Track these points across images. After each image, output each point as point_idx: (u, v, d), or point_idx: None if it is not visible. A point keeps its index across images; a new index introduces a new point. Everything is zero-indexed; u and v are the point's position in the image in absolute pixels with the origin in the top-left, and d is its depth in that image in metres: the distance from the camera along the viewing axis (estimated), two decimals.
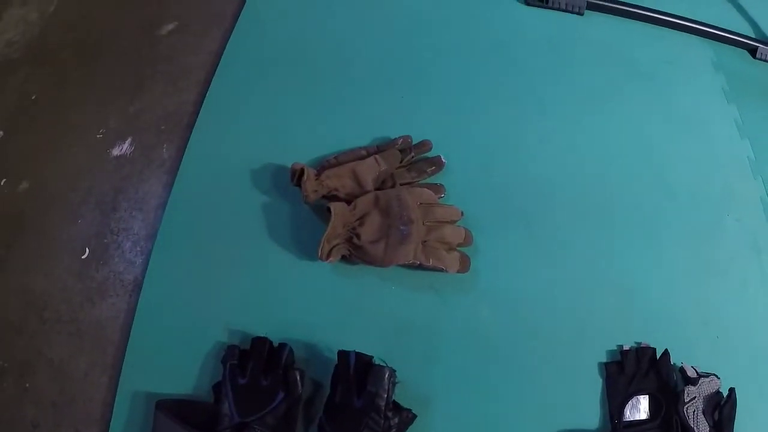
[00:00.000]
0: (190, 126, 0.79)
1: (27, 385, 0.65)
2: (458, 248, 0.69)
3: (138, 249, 0.73)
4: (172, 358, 0.65)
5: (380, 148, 0.74)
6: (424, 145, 0.75)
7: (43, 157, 0.78)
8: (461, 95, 0.82)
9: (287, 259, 0.69)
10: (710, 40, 0.89)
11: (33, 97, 0.82)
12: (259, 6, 0.88)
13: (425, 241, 0.67)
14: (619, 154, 0.79)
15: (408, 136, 0.75)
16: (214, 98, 0.80)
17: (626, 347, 0.65)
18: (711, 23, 0.89)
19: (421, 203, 0.69)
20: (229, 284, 0.69)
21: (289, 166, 0.70)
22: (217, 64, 0.83)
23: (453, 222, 0.70)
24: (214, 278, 0.69)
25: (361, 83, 0.82)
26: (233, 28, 0.86)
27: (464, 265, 0.68)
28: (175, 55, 0.86)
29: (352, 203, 0.68)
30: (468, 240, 0.70)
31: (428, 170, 0.73)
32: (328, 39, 0.85)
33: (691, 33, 0.89)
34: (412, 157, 0.74)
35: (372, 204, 0.68)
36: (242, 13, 0.87)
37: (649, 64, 0.87)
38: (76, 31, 0.88)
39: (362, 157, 0.72)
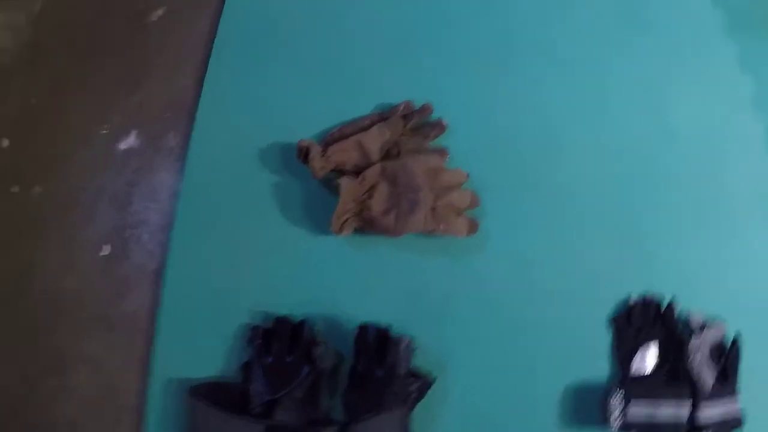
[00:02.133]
0: (194, 111, 0.78)
1: (64, 384, 0.68)
2: (466, 211, 0.69)
3: (157, 239, 0.74)
4: (199, 342, 0.67)
5: (383, 116, 0.73)
6: (425, 109, 0.74)
7: (51, 161, 0.79)
8: (458, 54, 0.79)
9: (302, 236, 0.70)
10: None
11: (33, 102, 0.82)
12: None
13: (434, 208, 0.67)
14: (622, 101, 0.76)
15: (409, 102, 0.74)
16: (213, 80, 0.79)
17: (633, 300, 0.66)
18: None
19: (427, 169, 0.69)
20: (247, 266, 0.70)
21: (295, 142, 0.70)
22: (212, 45, 0.82)
23: (459, 185, 0.70)
24: (232, 261, 0.70)
25: (362, 53, 0.80)
26: (223, 5, 0.84)
27: (472, 228, 0.68)
28: (167, 40, 0.85)
29: (360, 176, 0.68)
30: (474, 202, 0.69)
31: (431, 134, 0.73)
32: (321, 6, 0.83)
33: None
34: (415, 122, 0.73)
35: (379, 175, 0.68)
36: None
37: (648, 8, 0.81)
38: (66, 30, 0.87)
39: (366, 128, 0.71)
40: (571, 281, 0.67)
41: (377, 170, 0.68)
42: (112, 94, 0.83)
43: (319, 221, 0.69)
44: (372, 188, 0.67)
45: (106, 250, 0.74)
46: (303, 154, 0.68)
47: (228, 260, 0.70)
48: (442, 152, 0.72)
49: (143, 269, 0.73)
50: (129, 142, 0.80)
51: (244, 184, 0.73)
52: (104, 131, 0.81)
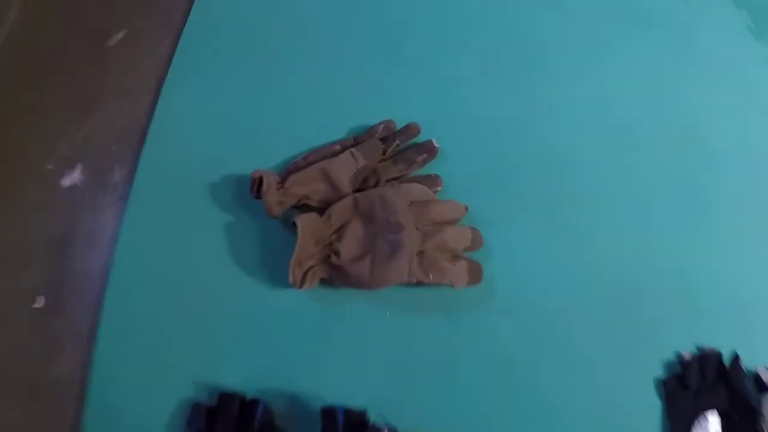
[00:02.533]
0: (143, 143, 0.67)
1: None
2: (465, 254, 0.55)
3: (93, 292, 0.62)
4: (133, 418, 0.54)
5: (357, 139, 0.60)
6: (410, 129, 0.61)
7: None
8: (448, 67, 0.67)
9: (258, 290, 0.57)
10: None
11: None
12: None
13: (422, 251, 0.53)
14: (646, 115, 0.64)
15: (390, 121, 0.61)
16: (166, 107, 0.68)
17: (687, 355, 0.53)
18: None
19: (412, 202, 0.55)
20: (191, 326, 0.56)
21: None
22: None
23: (455, 221, 0.56)
24: (173, 320, 0.57)
25: (331, 69, 0.68)
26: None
27: (474, 275, 0.54)
28: (126, 66, 0.75)
29: (326, 212, 0.55)
30: (477, 242, 0.56)
31: (418, 159, 0.59)
32: (289, 23, 0.71)
33: None
34: (398, 145, 0.60)
35: (350, 210, 0.55)
36: (192, 9, 0.75)
37: (663, 8, 0.72)
38: (22, 55, 0.79)
39: (336, 154, 0.58)
40: (604, 336, 0.54)
41: (348, 204, 0.55)
42: (63, 125, 0.73)
43: (278, 272, 0.55)
44: (342, 227, 0.54)
45: (40, 302, 0.63)
46: (256, 186, 0.55)
47: (168, 318, 0.57)
48: (433, 180, 0.59)
49: (77, 327, 0.60)
50: (73, 177, 0.69)
51: (192, 226, 0.60)
52: (50, 166, 0.71)
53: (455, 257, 0.54)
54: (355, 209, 0.55)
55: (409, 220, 0.54)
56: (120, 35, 0.78)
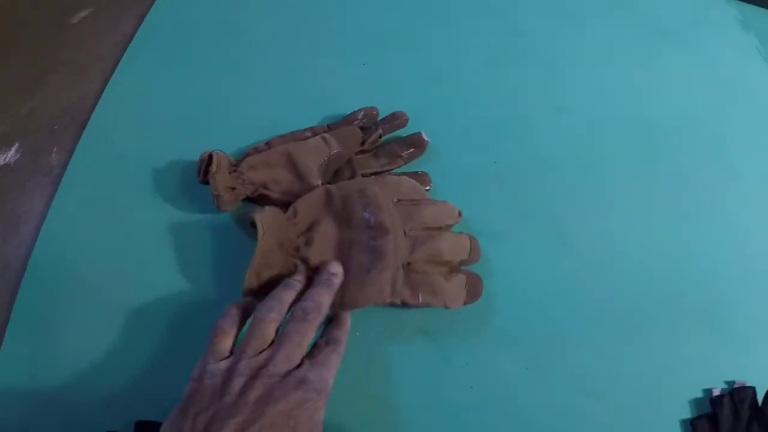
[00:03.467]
0: (86, 123, 0.59)
1: None
2: (462, 267, 0.45)
3: (7, 285, 0.51)
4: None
5: (332, 126, 0.51)
6: (395, 117, 0.52)
7: None
8: (447, 56, 0.59)
9: (205, 301, 0.45)
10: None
11: None
12: None
13: (409, 263, 0.43)
14: (661, 127, 0.58)
15: (372, 108, 0.52)
16: (117, 87, 0.59)
17: (716, 391, 0.45)
18: None
19: (399, 200, 0.45)
20: (116, 343, 0.44)
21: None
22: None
23: (449, 227, 0.46)
24: (89, 323, 0.45)
25: (308, 51, 0.60)
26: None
27: (473, 292, 0.44)
28: (83, 43, 0.67)
29: (291, 207, 0.44)
30: (475, 254, 0.45)
31: (404, 154, 0.50)
32: (265, 3, 0.64)
33: None
34: (380, 135, 0.51)
35: (322, 205, 0.44)
36: None
37: (674, 23, 0.68)
38: None
39: (305, 139, 0.49)
40: (623, 372, 0.44)
41: (318, 197, 0.44)
42: (5, 97, 0.65)
43: (229, 280, 0.45)
44: (311, 227, 0.43)
45: None
46: (204, 168, 0.45)
47: (85, 321, 0.45)
48: (420, 179, 0.49)
49: None
50: (7, 156, 0.60)
51: (127, 219, 0.50)
52: None
53: (451, 271, 0.44)
54: (328, 205, 0.44)
55: (395, 223, 0.43)
56: (84, 13, 0.71)
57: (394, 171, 0.50)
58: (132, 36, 0.66)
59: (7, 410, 0.43)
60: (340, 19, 0.63)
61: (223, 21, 0.63)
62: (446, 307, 0.42)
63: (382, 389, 0.42)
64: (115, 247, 0.49)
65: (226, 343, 0.37)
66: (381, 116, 0.53)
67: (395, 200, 0.45)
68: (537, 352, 0.44)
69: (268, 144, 0.49)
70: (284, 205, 0.45)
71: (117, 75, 0.60)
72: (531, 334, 0.45)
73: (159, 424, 0.35)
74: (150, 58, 0.61)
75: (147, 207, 0.50)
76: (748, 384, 0.46)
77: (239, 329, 0.39)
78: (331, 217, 0.44)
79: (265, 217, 0.42)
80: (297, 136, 0.50)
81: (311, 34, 0.61)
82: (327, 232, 0.43)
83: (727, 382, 0.46)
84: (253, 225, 0.42)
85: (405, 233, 0.43)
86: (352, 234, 0.42)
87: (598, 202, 0.52)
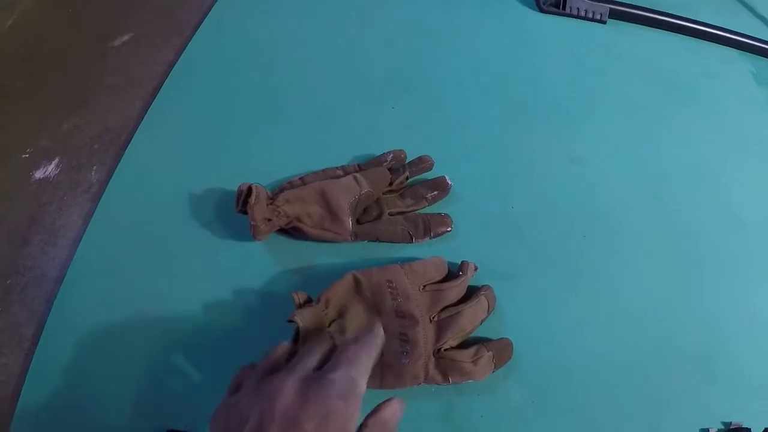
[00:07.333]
0: (127, 144, 0.62)
1: None
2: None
3: (44, 295, 0.54)
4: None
5: (362, 166, 0.55)
6: (422, 162, 0.55)
7: None
8: (470, 105, 0.63)
9: (231, 320, 0.48)
10: (745, 52, 0.74)
11: None
12: (224, 11, 0.72)
13: (438, 349, 0.45)
14: (673, 178, 0.60)
15: (401, 151, 0.56)
16: (158, 111, 0.62)
17: (713, 431, 0.47)
18: (742, 32, 0.74)
19: (425, 286, 0.47)
20: (147, 356, 0.47)
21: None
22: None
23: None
24: (125, 344, 0.48)
25: (342, 92, 0.63)
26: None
27: (501, 359, 0.46)
28: (125, 66, 0.71)
29: (320, 297, 0.45)
30: (492, 306, 0.48)
31: (428, 196, 0.53)
32: (303, 42, 0.68)
33: (723, 44, 0.74)
34: (407, 177, 0.54)
35: (351, 294, 0.46)
36: (205, 19, 0.72)
37: (687, 78, 0.70)
38: (28, 47, 0.75)
39: (337, 177, 0.53)
40: (625, 411, 0.46)
41: (348, 286, 0.46)
42: (49, 116, 0.68)
43: (261, 303, 0.48)
44: (342, 314, 0.45)
45: None
46: (242, 199, 0.48)
47: (118, 338, 0.48)
48: (442, 220, 0.52)
49: (18, 330, 0.51)
50: (47, 170, 0.63)
51: (163, 241, 0.53)
52: (26, 155, 0.65)
53: (477, 352, 0.45)
54: (357, 291, 0.46)
55: (423, 312, 0.46)
56: (126, 37, 0.75)
57: (419, 211, 0.53)
58: (171, 64, 0.69)
59: (41, 418, 0.45)
60: (372, 63, 0.66)
61: (262, 57, 0.67)
62: (474, 379, 0.45)
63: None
64: (150, 265, 0.52)
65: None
66: (408, 159, 0.56)
67: (422, 287, 0.47)
68: (544, 386, 0.46)
69: (303, 180, 0.53)
70: (315, 238, 0.49)
71: (158, 101, 0.64)
72: (539, 370, 0.47)
73: None
74: (190, 88, 0.65)
75: (182, 230, 0.53)
76: (744, 425, 0.47)
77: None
78: (361, 304, 0.46)
79: (303, 317, 0.43)
80: (329, 174, 0.53)
81: (344, 77, 0.65)
82: (358, 319, 0.45)
83: (723, 423, 0.47)
84: (297, 331, 0.42)
85: (431, 320, 0.46)
86: (384, 322, 0.45)
87: (606, 248, 0.54)
